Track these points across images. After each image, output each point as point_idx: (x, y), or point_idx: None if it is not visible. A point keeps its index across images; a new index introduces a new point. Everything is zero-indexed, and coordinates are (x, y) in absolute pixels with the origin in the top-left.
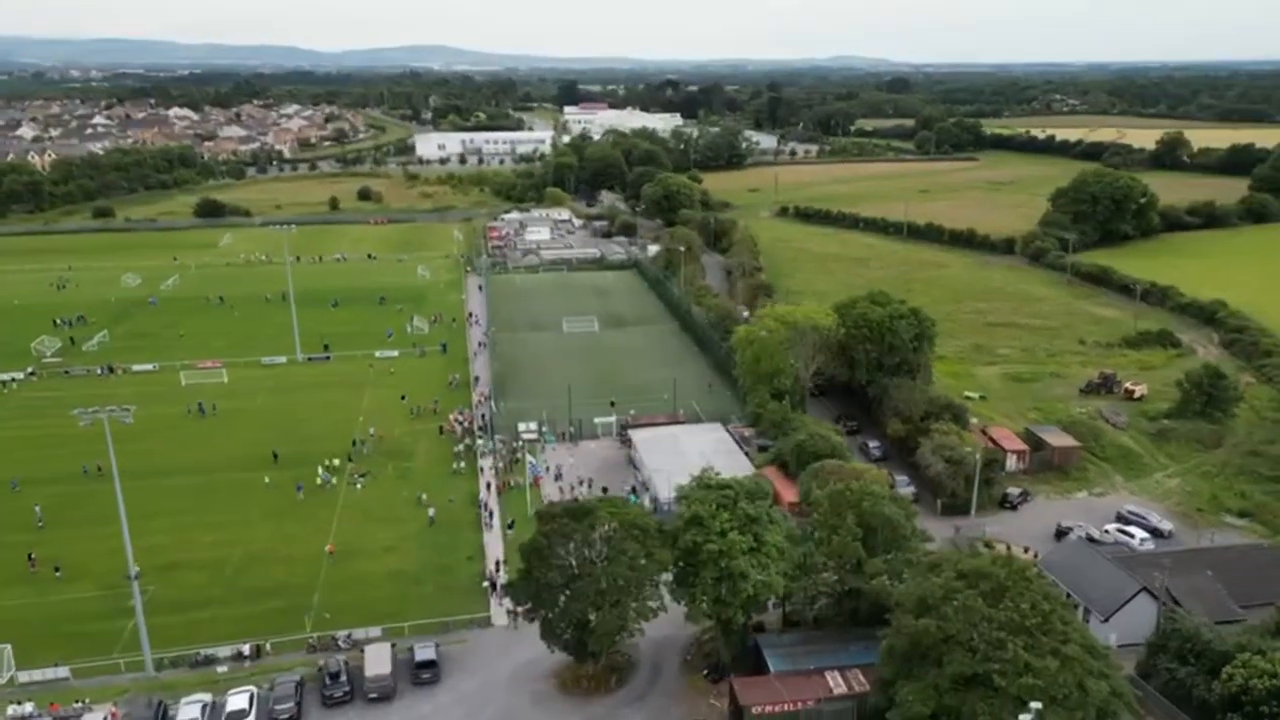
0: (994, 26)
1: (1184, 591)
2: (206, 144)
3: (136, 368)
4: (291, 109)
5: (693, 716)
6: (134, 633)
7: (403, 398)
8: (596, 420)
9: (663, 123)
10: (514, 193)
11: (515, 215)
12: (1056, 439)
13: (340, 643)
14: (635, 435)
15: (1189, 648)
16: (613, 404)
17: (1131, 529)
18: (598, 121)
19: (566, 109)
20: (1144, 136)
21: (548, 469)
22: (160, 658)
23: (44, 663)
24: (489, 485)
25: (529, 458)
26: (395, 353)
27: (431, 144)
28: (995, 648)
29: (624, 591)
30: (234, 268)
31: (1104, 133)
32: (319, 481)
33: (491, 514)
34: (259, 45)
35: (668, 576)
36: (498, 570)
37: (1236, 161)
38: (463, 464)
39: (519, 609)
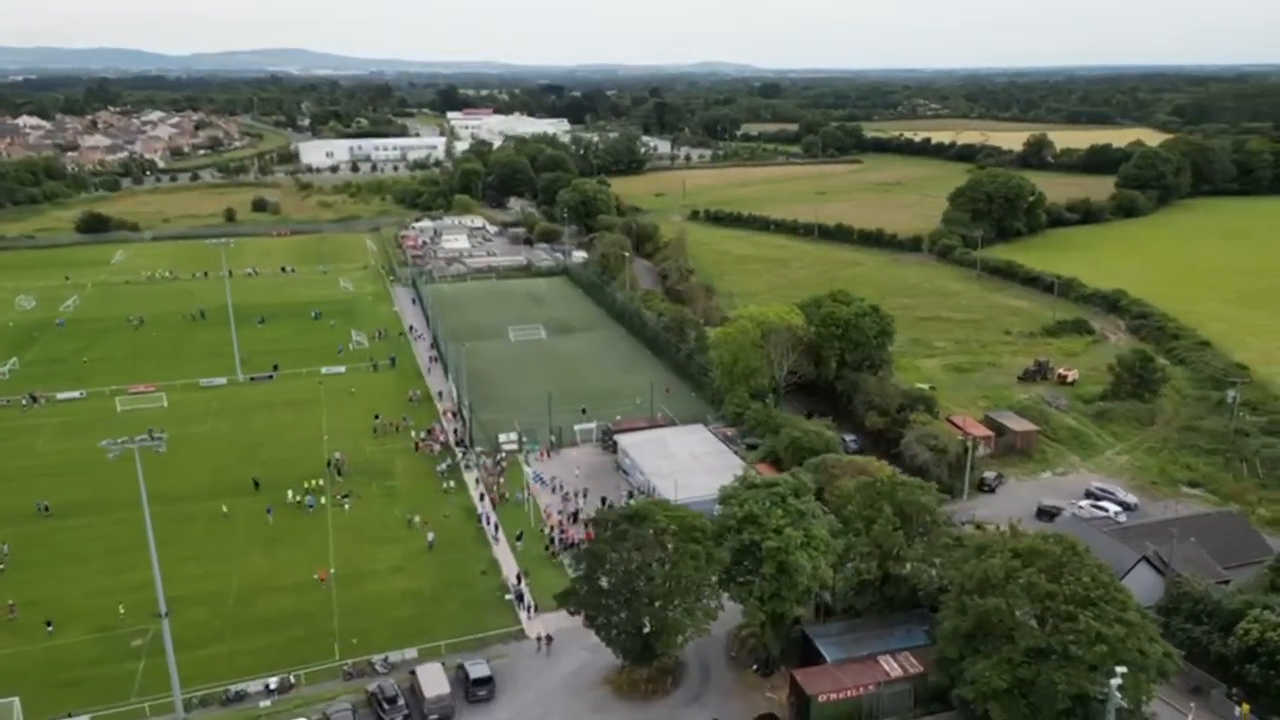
0: (848, 34)
1: (1176, 559)
2: (69, 154)
3: (62, 395)
4: (154, 116)
5: (751, 711)
6: (149, 675)
7: (376, 417)
8: (576, 427)
9: (553, 128)
10: (420, 200)
11: (428, 224)
12: (1016, 424)
13: (378, 667)
14: (622, 440)
15: (1200, 609)
16: (584, 411)
17: (1103, 503)
18: (485, 127)
19: (450, 115)
20: (1008, 139)
21: (551, 479)
22: (188, 698)
23: (57, 713)
24: (483, 497)
25: (526, 468)
26: (342, 369)
27: (319, 152)
28: (1066, 620)
29: (687, 593)
30: (137, 286)
31: (968, 135)
32: (300, 501)
33: (497, 526)
34: (98, 48)
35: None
36: (519, 583)
37: (1096, 161)
38: (451, 482)
39: (576, 613)
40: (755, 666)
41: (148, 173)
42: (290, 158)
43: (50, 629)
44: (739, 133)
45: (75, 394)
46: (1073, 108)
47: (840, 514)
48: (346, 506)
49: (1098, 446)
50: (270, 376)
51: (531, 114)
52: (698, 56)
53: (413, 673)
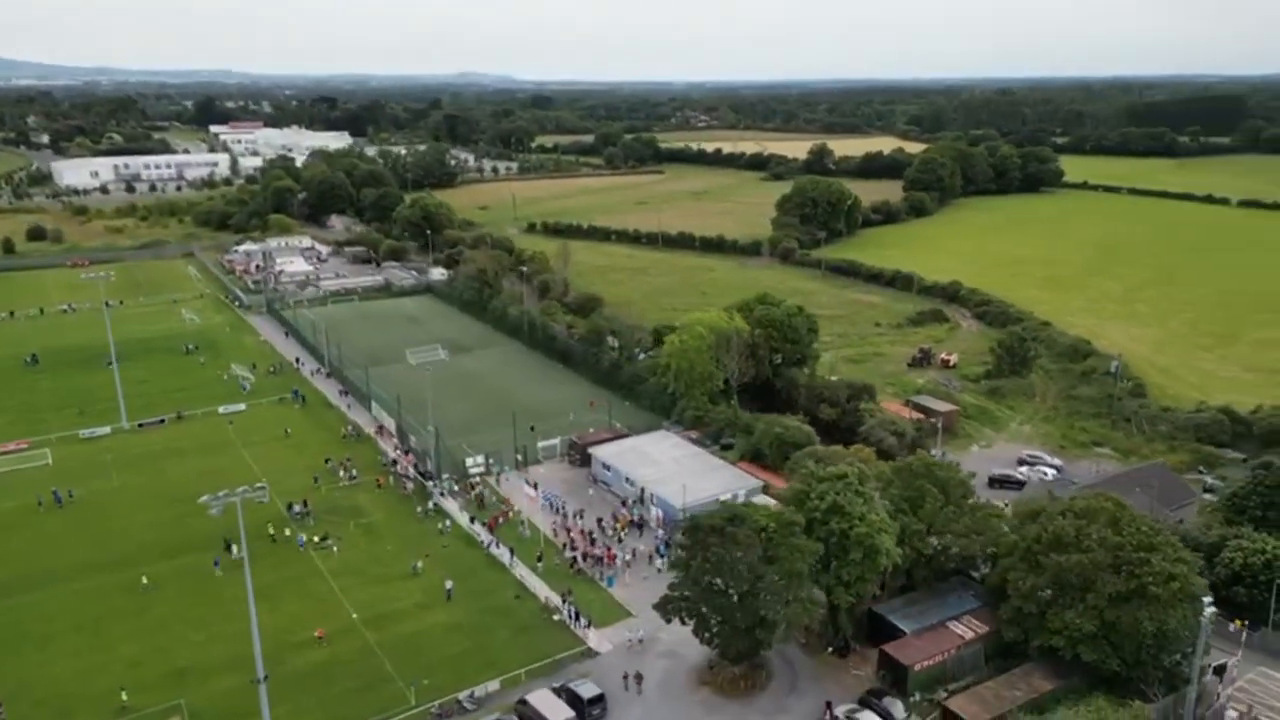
0: (600, 48)
1: (1138, 507)
2: None
3: None
4: None
5: (846, 690)
6: None
7: (327, 460)
8: (540, 444)
9: (334, 141)
10: (232, 222)
11: (252, 246)
12: (939, 405)
13: (465, 704)
14: (599, 452)
15: (1185, 545)
16: (533, 428)
17: (1038, 468)
18: (262, 140)
19: (215, 128)
20: (787, 148)
21: (557, 498)
22: None
23: None
24: (473, 519)
25: (528, 488)
26: (242, 406)
27: (81, 171)
28: (1141, 565)
29: (792, 585)
30: None
31: (745, 145)
32: (277, 534)
33: (512, 550)
34: None
35: None
36: (564, 601)
37: (869, 166)
38: (445, 521)
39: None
40: (830, 649)
41: None
42: (44, 179)
43: None
44: (534, 144)
45: None
46: (826, 119)
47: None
48: (334, 549)
49: (1002, 420)
50: (162, 421)
51: (307, 126)
52: (455, 67)
53: (524, 703)
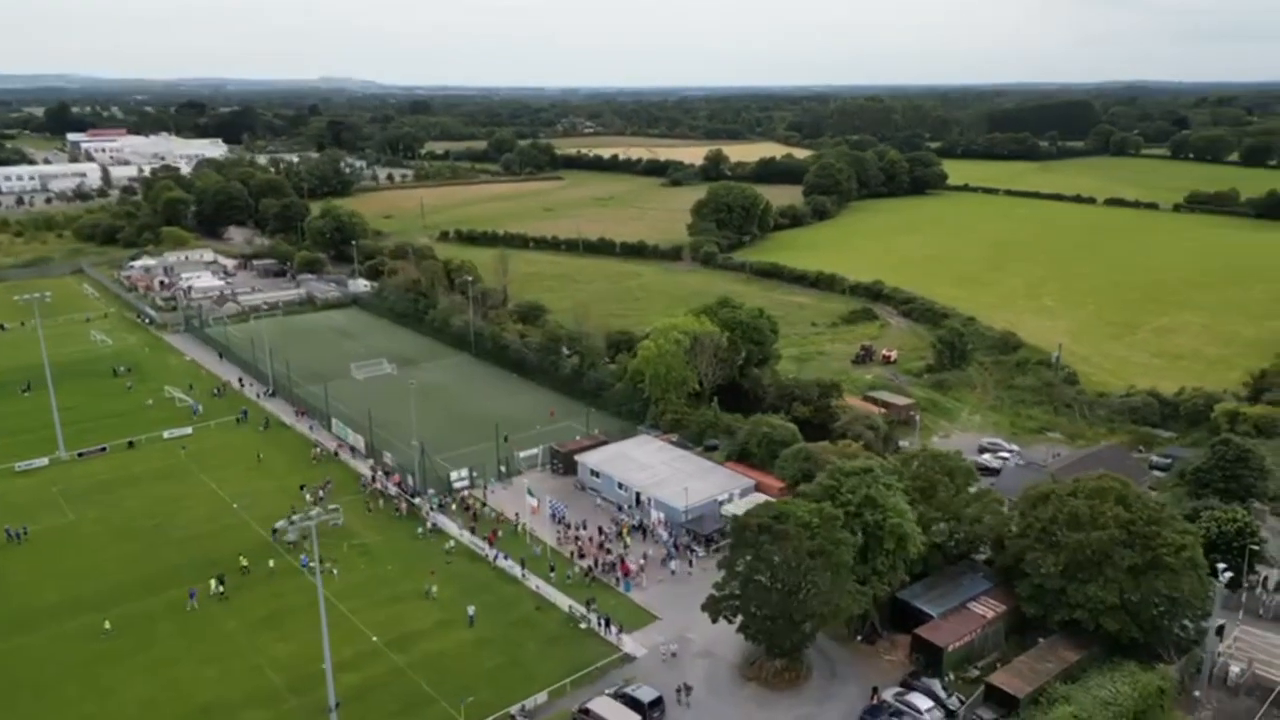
0: (466, 51)
1: None
2: None
3: None
4: None
5: (885, 675)
6: None
7: (301, 487)
8: (521, 454)
9: (212, 149)
10: (121, 236)
11: (150, 261)
12: (898, 399)
13: (518, 718)
14: (587, 459)
15: None
16: (506, 439)
17: (1001, 454)
18: (130, 149)
19: (73, 136)
20: (677, 153)
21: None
22: None
23: None
24: (472, 530)
25: (530, 498)
26: (189, 430)
27: None
28: (1153, 538)
29: (841, 580)
30: None
31: (636, 150)
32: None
33: (523, 562)
34: None
35: None
36: (588, 609)
37: (765, 172)
38: (450, 542)
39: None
40: (859, 637)
41: None
42: None
43: None
44: (423, 151)
45: None
46: (706, 125)
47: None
48: (334, 572)
49: (952, 411)
50: (103, 449)
51: (178, 133)
52: (316, 71)
53: (586, 711)
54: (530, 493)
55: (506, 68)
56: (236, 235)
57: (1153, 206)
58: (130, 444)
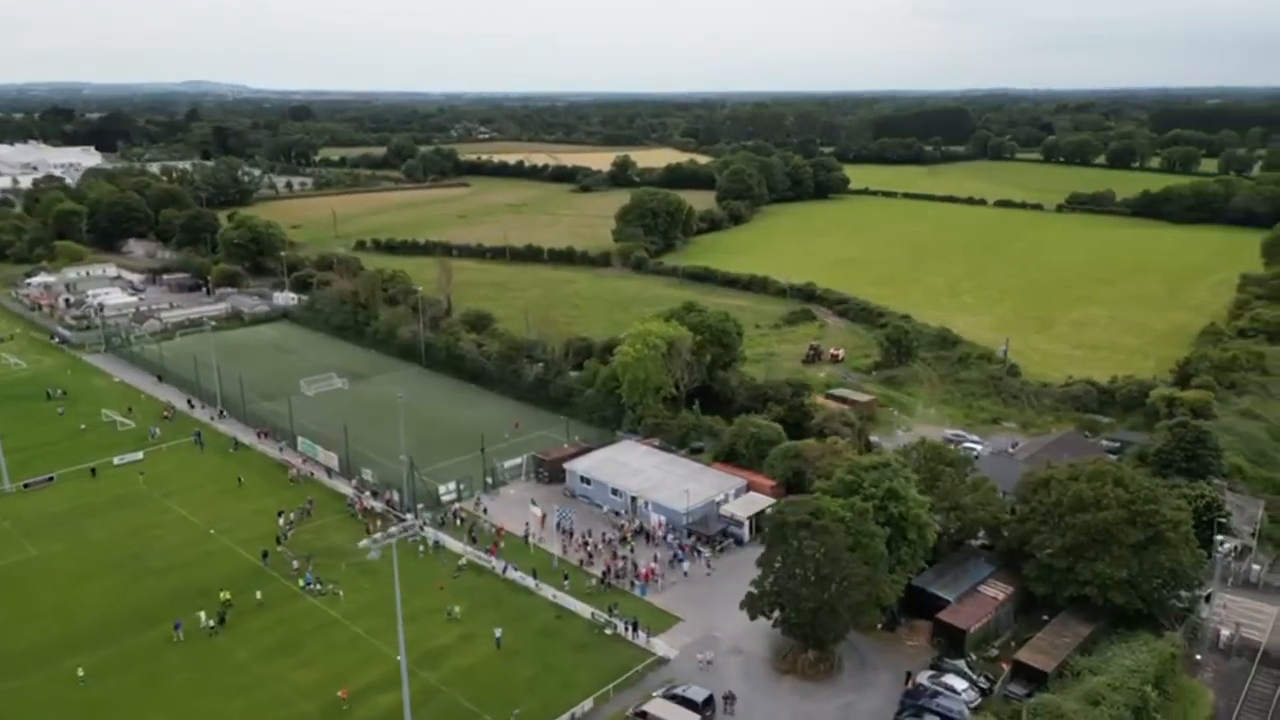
0: (338, 54)
1: None
2: None
3: None
4: None
5: (910, 662)
6: None
7: (279, 513)
8: (505, 464)
9: (86, 158)
10: (10, 251)
11: (49, 277)
12: (860, 396)
13: None
14: (576, 466)
15: None
16: (483, 450)
17: (967, 444)
18: None
19: None
20: (578, 159)
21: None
22: None
23: None
24: (475, 541)
25: (534, 508)
26: (140, 454)
27: None
28: (1153, 515)
29: (877, 570)
30: None
31: (537, 156)
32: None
33: (534, 572)
34: None
35: None
36: (611, 614)
37: (672, 177)
38: (462, 560)
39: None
40: (880, 625)
41: None
42: None
43: None
44: (318, 159)
45: None
46: (601, 130)
47: None
48: (340, 593)
49: (908, 406)
50: (50, 479)
51: (45, 141)
52: (180, 75)
53: (643, 714)
54: (534, 503)
55: (386, 71)
56: (137, 248)
57: (1038, 207)
58: (93, 471)
